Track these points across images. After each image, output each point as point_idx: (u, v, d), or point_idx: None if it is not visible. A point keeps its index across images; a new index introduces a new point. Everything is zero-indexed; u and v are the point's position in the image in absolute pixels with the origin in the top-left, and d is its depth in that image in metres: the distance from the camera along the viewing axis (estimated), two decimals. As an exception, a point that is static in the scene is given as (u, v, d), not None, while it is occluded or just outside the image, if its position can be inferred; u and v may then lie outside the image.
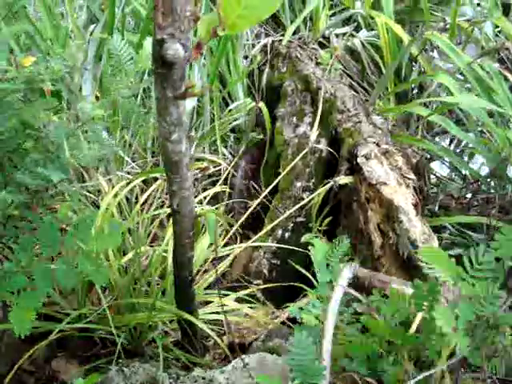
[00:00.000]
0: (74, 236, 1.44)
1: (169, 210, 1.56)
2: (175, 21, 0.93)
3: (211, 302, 2.02)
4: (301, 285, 1.97)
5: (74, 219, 1.62)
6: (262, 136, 2.60)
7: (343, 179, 2.03)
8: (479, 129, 2.77)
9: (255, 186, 2.57)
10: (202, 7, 2.44)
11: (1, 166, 1.44)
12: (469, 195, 2.90)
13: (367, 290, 1.42)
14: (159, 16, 0.92)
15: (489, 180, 2.67)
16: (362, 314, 1.38)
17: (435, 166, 3.05)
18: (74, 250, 1.42)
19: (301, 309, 1.35)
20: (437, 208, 2.68)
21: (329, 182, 2.07)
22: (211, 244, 2.01)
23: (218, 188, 2.36)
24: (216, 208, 2.37)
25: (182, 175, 1.24)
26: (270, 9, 0.98)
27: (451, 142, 3.12)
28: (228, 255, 2.16)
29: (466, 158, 2.93)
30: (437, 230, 2.46)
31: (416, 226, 1.69)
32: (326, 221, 2.08)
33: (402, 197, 1.82)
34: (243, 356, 1.42)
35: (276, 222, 2.14)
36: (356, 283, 1.42)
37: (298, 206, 2.12)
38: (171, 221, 1.49)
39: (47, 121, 1.54)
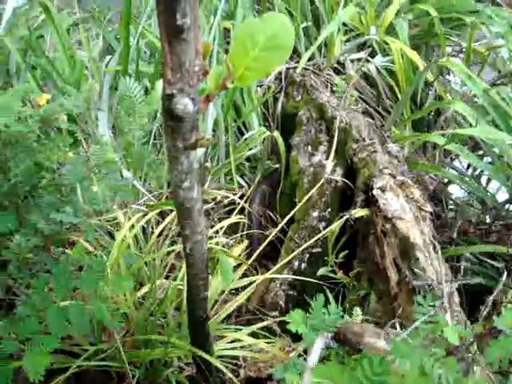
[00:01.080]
0: (89, 277, 1.44)
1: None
2: (184, 76, 0.93)
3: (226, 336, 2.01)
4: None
5: (89, 258, 1.62)
6: (277, 165, 2.59)
7: (359, 212, 2.01)
8: (497, 151, 2.74)
9: (271, 215, 2.57)
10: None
11: (16, 208, 1.45)
12: (488, 220, 2.86)
13: (344, 343, 1.40)
14: (168, 72, 0.92)
15: (507, 206, 2.64)
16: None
17: (453, 188, 3.02)
18: (89, 291, 1.42)
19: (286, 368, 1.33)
20: (455, 234, 2.65)
21: (345, 215, 2.06)
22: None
23: (233, 218, 2.35)
24: (233, 239, 2.37)
25: (193, 220, 1.23)
26: (278, 61, 0.98)
27: (469, 165, 3.08)
28: (245, 287, 2.15)
29: (484, 181, 2.91)
30: (455, 258, 2.44)
31: (433, 265, 1.67)
32: (342, 254, 2.06)
33: (418, 232, 1.80)
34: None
35: (293, 255, 2.13)
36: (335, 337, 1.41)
37: (314, 239, 2.11)
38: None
39: (63, 160, 1.55)
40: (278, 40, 0.96)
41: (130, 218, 2.12)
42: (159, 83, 1.44)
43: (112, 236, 2.19)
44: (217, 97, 2.33)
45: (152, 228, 2.24)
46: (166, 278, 2.14)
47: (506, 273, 2.15)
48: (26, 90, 1.48)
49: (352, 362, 1.31)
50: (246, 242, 2.29)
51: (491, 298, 1.35)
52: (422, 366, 1.07)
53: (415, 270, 1.56)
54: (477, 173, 2.96)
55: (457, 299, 1.65)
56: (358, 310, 1.50)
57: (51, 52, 2.75)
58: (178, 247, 2.11)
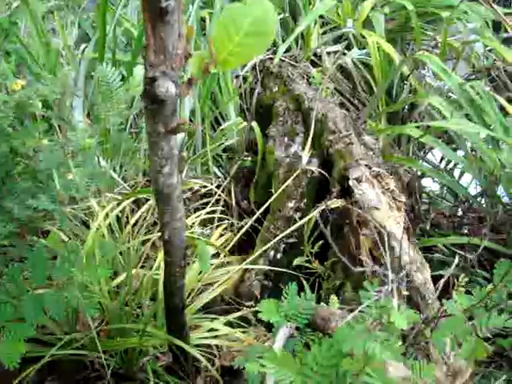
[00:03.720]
0: (64, 265, 1.43)
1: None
2: (167, 58, 0.92)
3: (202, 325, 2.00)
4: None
5: (63, 246, 1.60)
6: (254, 156, 2.59)
7: (335, 203, 2.02)
8: (469, 146, 2.78)
9: (247, 205, 2.56)
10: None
11: (-10, 194, 1.43)
12: (460, 213, 2.90)
13: (315, 329, 1.42)
14: (151, 54, 0.91)
15: (479, 198, 2.68)
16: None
17: (427, 181, 3.06)
18: (64, 279, 1.41)
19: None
20: (428, 226, 2.68)
21: (321, 205, 2.06)
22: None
23: (209, 209, 2.35)
24: (210, 228, 2.37)
25: (173, 207, 1.23)
26: (261, 46, 0.97)
27: (442, 158, 3.12)
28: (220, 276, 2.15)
29: (456, 174, 2.95)
30: (428, 249, 2.47)
31: (408, 254, 1.68)
32: (318, 244, 2.07)
33: (394, 222, 1.82)
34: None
35: (269, 245, 2.14)
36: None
37: (290, 230, 2.11)
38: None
39: (38, 146, 1.53)
40: (261, 26, 0.95)
41: (104, 207, 2.11)
42: (138, 68, 1.42)
43: (86, 225, 2.17)
44: (194, 86, 2.33)
45: (127, 217, 2.23)
46: (141, 267, 2.13)
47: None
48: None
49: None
50: (227, 235, 2.28)
51: (441, 282, 1.37)
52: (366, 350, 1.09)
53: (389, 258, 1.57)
54: (450, 166, 3.00)
55: (431, 286, 1.67)
56: (334, 298, 1.51)
57: (26, 39, 2.70)
58: (154, 236, 2.10)
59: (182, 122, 1.01)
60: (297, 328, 1.47)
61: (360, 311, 1.17)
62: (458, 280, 1.40)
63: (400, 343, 1.14)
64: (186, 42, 0.94)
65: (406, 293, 1.34)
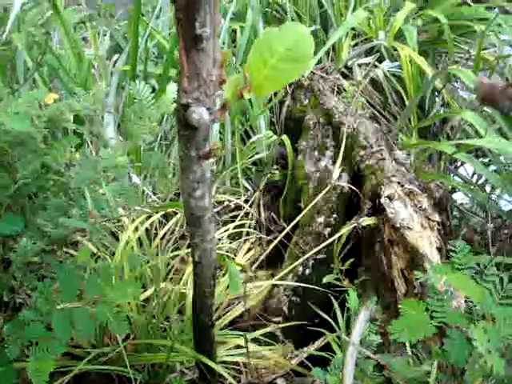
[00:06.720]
0: (94, 281, 1.43)
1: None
2: (200, 85, 0.91)
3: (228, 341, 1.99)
4: (320, 329, 1.95)
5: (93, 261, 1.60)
6: (283, 169, 2.58)
7: (367, 220, 1.99)
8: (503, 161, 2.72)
9: (276, 219, 2.55)
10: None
11: (22, 210, 1.44)
12: (492, 228, 2.85)
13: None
14: (184, 80, 0.91)
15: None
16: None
17: (458, 196, 3.00)
18: (94, 298, 1.41)
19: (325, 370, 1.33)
20: (459, 243, 2.62)
21: (352, 223, 2.04)
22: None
23: (238, 222, 2.34)
24: (239, 242, 2.36)
25: (204, 229, 1.22)
26: (296, 72, 0.96)
27: (474, 172, 3.06)
28: (248, 291, 2.14)
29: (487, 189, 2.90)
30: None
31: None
32: (349, 262, 2.04)
33: (427, 242, 1.78)
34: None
35: (299, 262, 2.12)
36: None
37: (321, 247, 2.09)
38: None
39: (70, 161, 1.53)
40: (297, 51, 0.94)
41: (134, 220, 2.11)
42: (171, 87, 1.42)
43: (115, 236, 2.18)
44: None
45: (156, 230, 2.23)
46: (170, 280, 2.13)
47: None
48: (36, 96, 1.46)
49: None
50: (256, 249, 2.27)
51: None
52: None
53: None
54: (481, 181, 2.95)
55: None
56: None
57: (57, 50, 2.73)
58: (182, 252, 2.10)
59: (214, 147, 1.00)
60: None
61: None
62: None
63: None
64: (221, 69, 0.93)
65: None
